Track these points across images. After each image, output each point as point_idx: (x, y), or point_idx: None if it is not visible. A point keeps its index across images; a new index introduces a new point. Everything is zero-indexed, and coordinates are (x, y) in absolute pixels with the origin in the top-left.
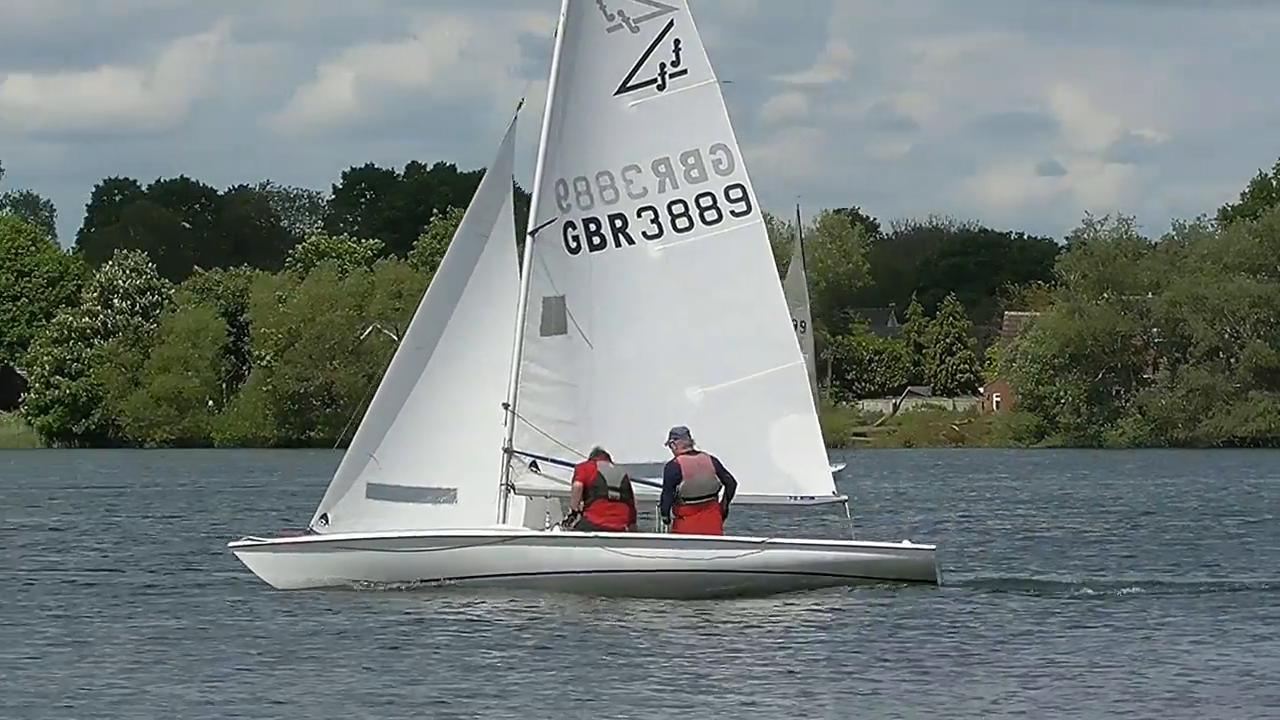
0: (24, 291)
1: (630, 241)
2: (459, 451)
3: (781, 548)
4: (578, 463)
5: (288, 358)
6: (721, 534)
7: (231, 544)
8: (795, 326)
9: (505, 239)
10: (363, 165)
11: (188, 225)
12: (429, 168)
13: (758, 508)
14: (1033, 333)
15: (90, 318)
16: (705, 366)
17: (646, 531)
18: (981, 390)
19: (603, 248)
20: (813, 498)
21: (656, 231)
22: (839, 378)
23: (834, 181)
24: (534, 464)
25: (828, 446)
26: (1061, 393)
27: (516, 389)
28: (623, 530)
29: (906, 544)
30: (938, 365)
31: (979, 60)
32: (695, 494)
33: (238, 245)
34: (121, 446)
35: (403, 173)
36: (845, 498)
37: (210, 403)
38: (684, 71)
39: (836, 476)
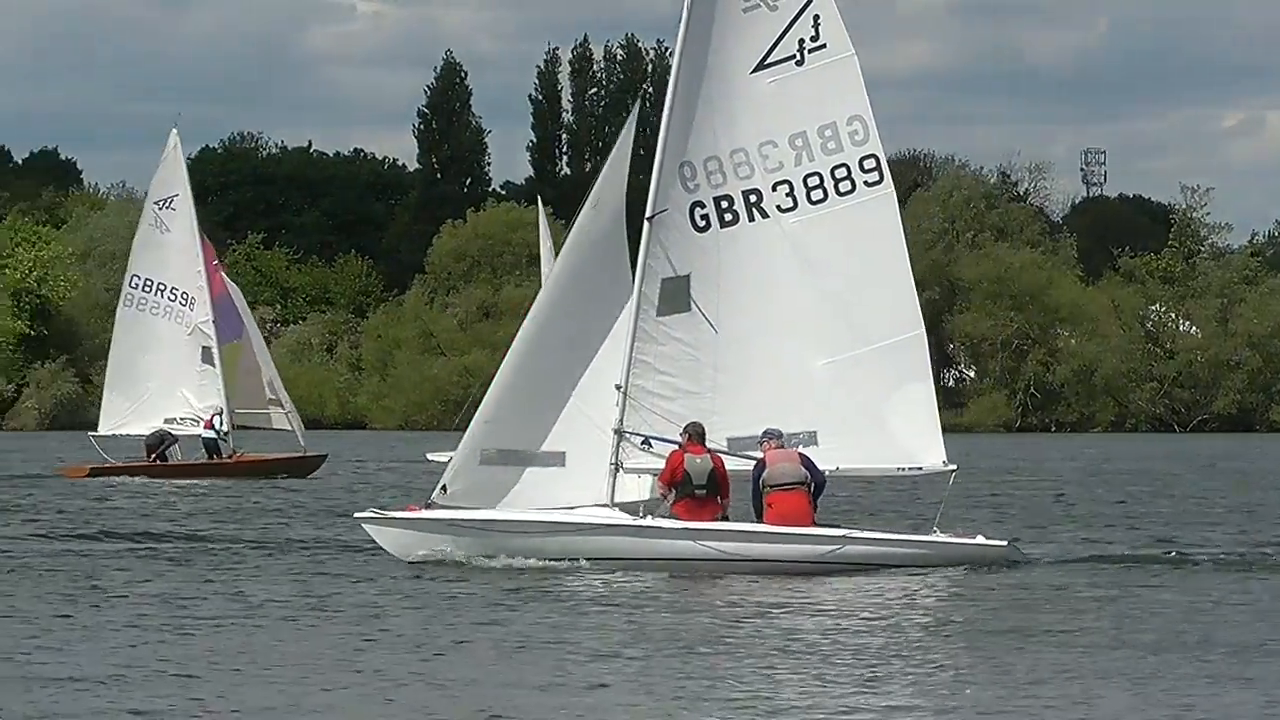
0: None
1: (764, 215)
2: (568, 418)
3: (860, 544)
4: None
5: None
6: (808, 520)
7: (356, 514)
8: None
9: (620, 221)
10: None
11: None
12: None
13: (870, 478)
14: None
15: None
16: (831, 336)
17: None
18: None
19: (735, 224)
20: (921, 468)
21: (791, 204)
22: None
23: None
24: (646, 442)
25: None
26: None
27: (629, 370)
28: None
29: (981, 539)
30: None
31: None
32: (780, 480)
33: None
34: None
35: None
36: (954, 468)
37: None
38: (823, 46)
39: None
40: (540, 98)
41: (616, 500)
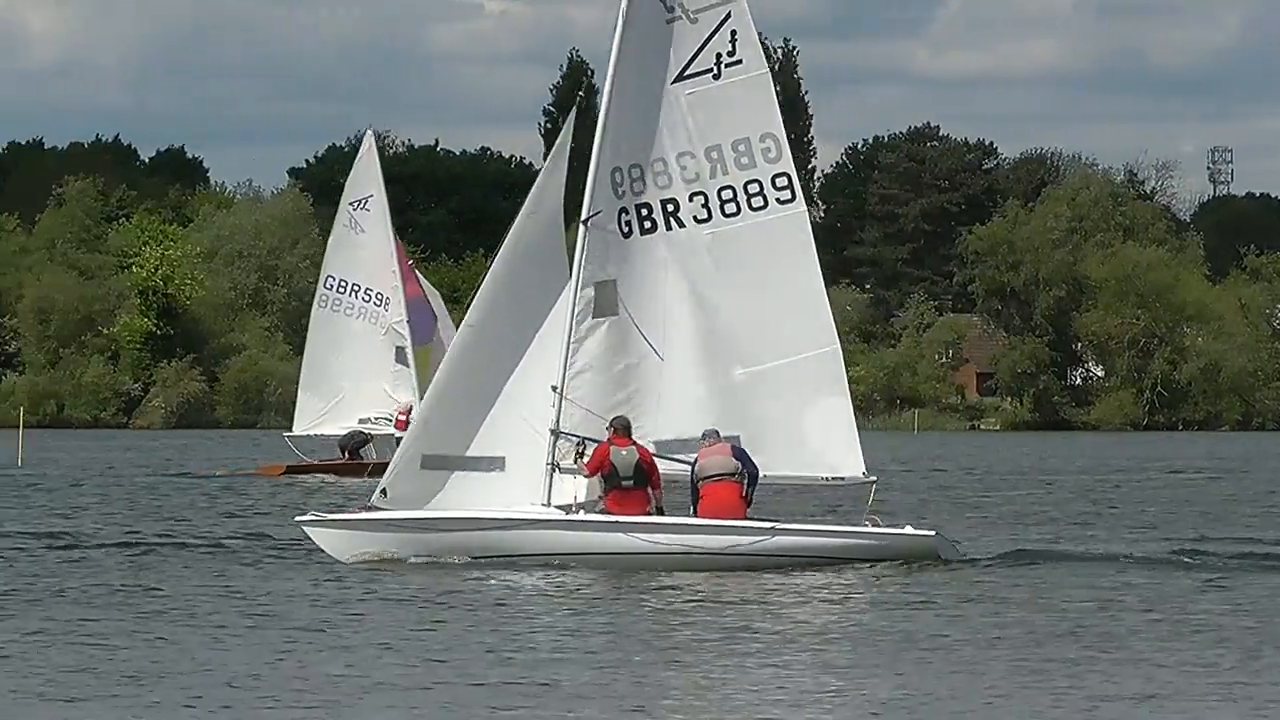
0: None
1: (681, 225)
2: (507, 422)
3: (789, 534)
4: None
5: None
6: (740, 511)
7: (298, 518)
8: None
9: (558, 226)
10: None
11: None
12: None
13: (792, 486)
14: None
15: None
16: (747, 348)
17: (671, 514)
18: None
19: (653, 231)
20: (843, 479)
21: (706, 216)
22: None
23: None
24: (581, 443)
25: None
26: None
27: (565, 372)
28: (638, 514)
29: (909, 529)
30: None
31: None
32: (711, 472)
33: None
34: None
35: None
36: (874, 479)
37: None
38: (739, 62)
39: None
40: None
41: (554, 503)
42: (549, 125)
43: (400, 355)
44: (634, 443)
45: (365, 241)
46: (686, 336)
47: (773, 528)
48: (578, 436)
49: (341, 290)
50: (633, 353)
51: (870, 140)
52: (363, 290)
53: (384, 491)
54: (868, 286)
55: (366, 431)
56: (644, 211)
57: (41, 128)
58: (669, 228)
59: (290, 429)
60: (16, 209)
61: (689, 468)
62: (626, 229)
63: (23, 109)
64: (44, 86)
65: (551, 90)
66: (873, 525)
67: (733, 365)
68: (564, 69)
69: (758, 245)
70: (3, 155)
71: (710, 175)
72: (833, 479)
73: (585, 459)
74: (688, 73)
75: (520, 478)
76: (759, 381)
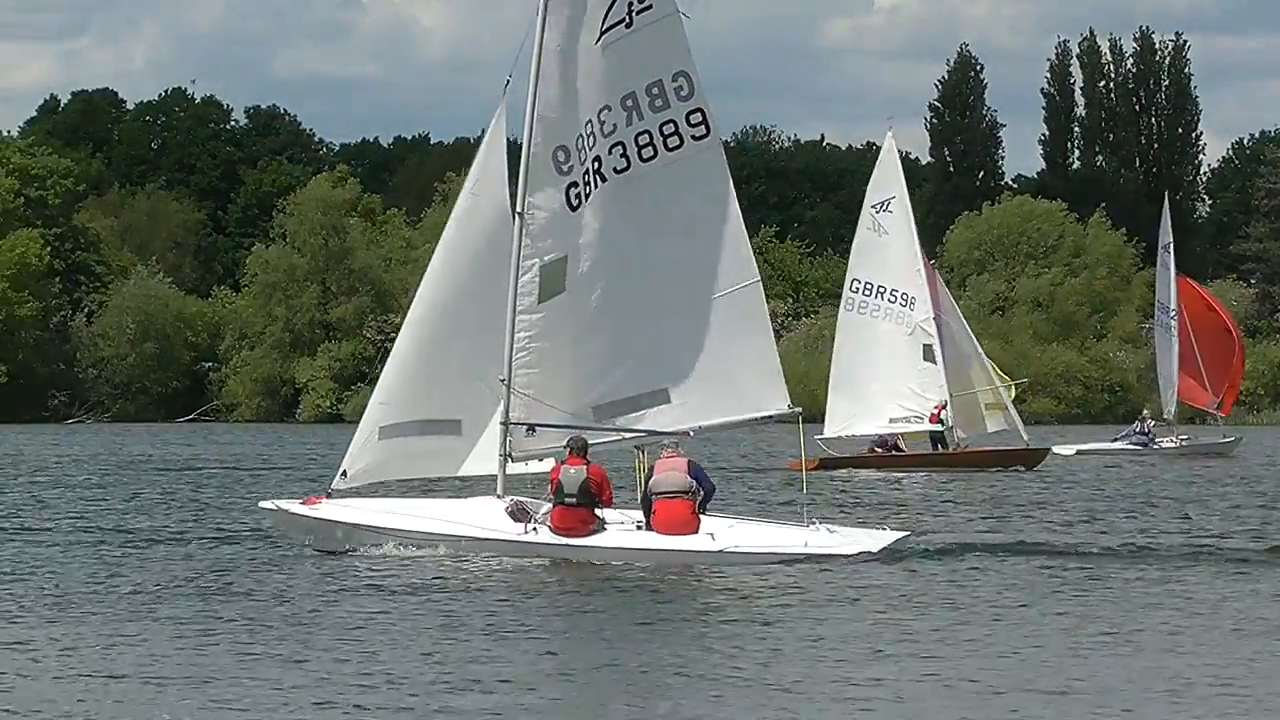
0: None
1: (603, 180)
2: (461, 387)
3: (738, 558)
4: (571, 424)
5: None
6: (691, 528)
7: (262, 503)
8: None
9: (502, 207)
10: None
11: None
12: None
13: (724, 429)
14: None
15: None
16: (671, 294)
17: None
18: None
19: (588, 197)
20: (770, 416)
21: (625, 165)
22: None
23: None
24: (531, 430)
25: None
26: None
27: (511, 361)
28: (581, 532)
29: (859, 543)
30: None
31: None
32: (665, 488)
33: None
34: None
35: None
36: (799, 410)
37: None
38: (649, 7)
39: None
40: (1052, 91)
41: (509, 475)
42: (934, 120)
43: (928, 353)
44: (586, 462)
45: (889, 243)
46: (612, 295)
47: (720, 552)
48: (527, 425)
49: (868, 293)
50: (579, 325)
51: (1257, 135)
52: (889, 291)
53: (344, 473)
54: (1253, 281)
55: (894, 434)
56: (586, 179)
57: (428, 123)
58: (595, 186)
59: (821, 431)
60: (403, 205)
61: (625, 431)
62: (575, 201)
63: (410, 105)
64: (431, 82)
65: (937, 85)
66: (818, 527)
67: (658, 315)
68: (951, 63)
69: (676, 184)
70: (389, 150)
71: (627, 124)
72: (761, 417)
73: (534, 434)
74: (605, 26)
75: (476, 441)
76: (684, 326)
